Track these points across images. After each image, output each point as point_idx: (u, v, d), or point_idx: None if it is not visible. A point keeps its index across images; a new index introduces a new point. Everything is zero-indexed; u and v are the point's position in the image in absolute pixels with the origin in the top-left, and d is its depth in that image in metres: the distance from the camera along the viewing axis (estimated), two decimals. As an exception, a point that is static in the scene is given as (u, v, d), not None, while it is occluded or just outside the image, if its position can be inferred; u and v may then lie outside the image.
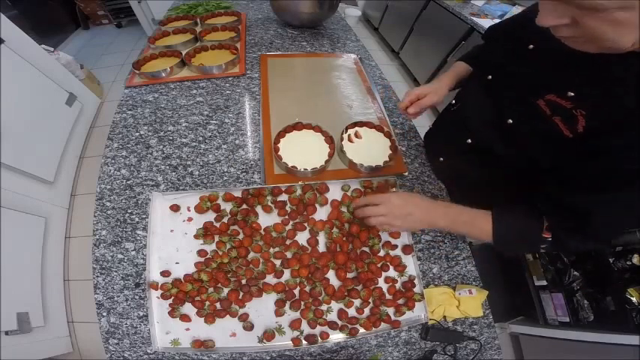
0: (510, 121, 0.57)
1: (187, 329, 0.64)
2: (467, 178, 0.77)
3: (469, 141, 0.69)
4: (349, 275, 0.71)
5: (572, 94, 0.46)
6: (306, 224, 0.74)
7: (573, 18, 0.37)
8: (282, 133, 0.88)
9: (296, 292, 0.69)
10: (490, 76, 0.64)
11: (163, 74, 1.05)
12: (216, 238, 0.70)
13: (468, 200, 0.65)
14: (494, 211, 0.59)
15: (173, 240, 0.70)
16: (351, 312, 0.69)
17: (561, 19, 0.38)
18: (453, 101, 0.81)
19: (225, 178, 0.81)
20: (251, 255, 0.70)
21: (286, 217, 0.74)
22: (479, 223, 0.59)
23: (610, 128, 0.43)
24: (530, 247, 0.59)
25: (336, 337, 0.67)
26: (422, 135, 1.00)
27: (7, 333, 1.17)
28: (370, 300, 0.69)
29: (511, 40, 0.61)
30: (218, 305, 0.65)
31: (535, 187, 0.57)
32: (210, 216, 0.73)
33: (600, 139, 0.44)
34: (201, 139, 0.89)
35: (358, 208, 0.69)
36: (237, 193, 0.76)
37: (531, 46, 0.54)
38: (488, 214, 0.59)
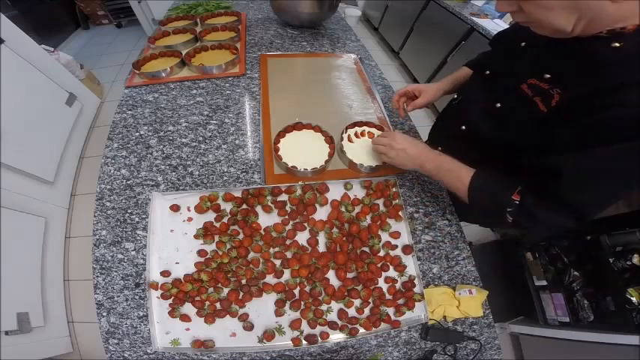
0: (499, 105, 0.64)
1: (187, 329, 0.64)
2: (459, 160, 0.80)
3: (463, 127, 0.76)
4: (349, 275, 0.71)
5: (549, 75, 0.53)
6: (306, 224, 0.74)
7: (519, 5, 0.46)
8: (282, 133, 0.88)
9: (296, 292, 0.69)
10: (488, 72, 0.73)
11: (163, 74, 1.05)
12: (216, 238, 0.70)
13: None
14: (478, 168, 0.64)
15: (173, 240, 0.70)
16: (351, 312, 0.69)
17: (511, 7, 0.47)
18: (455, 95, 0.89)
19: (225, 178, 0.81)
20: (251, 255, 0.70)
21: (286, 217, 0.74)
22: (460, 174, 0.65)
23: (584, 97, 0.48)
24: (498, 210, 0.59)
25: (336, 337, 0.67)
26: (422, 135, 1.00)
27: (7, 333, 1.17)
28: (370, 300, 0.69)
29: (509, 42, 0.69)
30: (218, 305, 0.65)
31: (520, 165, 0.62)
32: (210, 216, 0.73)
33: (573, 109, 0.49)
34: (201, 139, 0.89)
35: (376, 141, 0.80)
36: (237, 193, 0.76)
37: (523, 44, 0.63)
38: (471, 170, 0.64)
